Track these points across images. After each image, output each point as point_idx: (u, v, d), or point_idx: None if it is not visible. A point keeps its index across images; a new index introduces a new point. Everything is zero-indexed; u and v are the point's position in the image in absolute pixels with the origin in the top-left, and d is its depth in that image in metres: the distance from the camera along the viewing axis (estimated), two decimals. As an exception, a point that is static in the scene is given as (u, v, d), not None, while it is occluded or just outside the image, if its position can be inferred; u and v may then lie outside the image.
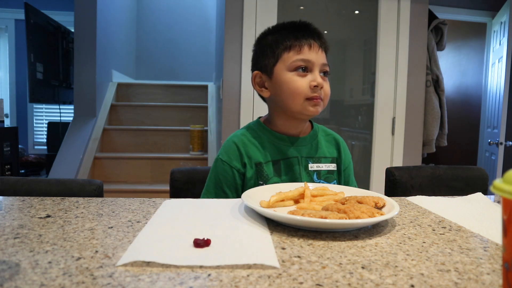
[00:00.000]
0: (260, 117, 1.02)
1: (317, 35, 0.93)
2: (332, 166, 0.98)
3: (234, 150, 0.93)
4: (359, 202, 0.68)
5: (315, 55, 0.90)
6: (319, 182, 0.95)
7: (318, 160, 0.97)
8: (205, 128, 3.33)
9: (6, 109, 4.73)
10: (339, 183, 0.99)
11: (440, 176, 1.20)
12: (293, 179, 0.93)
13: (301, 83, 0.89)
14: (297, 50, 0.89)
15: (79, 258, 0.46)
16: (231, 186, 0.93)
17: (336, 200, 0.72)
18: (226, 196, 0.92)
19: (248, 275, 0.43)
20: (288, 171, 0.93)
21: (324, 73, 0.92)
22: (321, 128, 1.04)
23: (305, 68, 0.89)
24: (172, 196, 1.13)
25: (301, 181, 0.92)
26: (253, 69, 0.98)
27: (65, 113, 4.43)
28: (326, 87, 0.92)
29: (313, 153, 0.97)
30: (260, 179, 0.91)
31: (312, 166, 0.95)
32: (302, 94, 0.88)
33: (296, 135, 0.97)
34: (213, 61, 4.46)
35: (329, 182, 0.96)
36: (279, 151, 0.94)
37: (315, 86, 0.88)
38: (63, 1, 4.67)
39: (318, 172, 0.96)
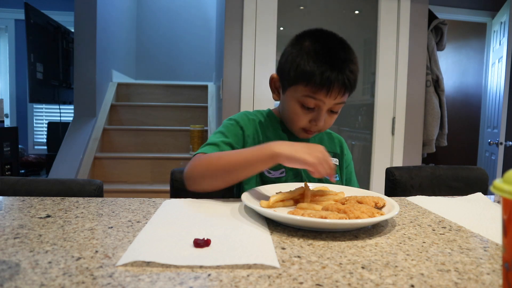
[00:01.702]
0: (269, 109, 1.05)
1: (347, 79, 0.84)
2: (334, 161, 1.02)
3: (245, 119, 0.97)
4: (359, 202, 0.68)
5: (330, 99, 0.85)
6: None
7: None
8: (205, 128, 3.33)
9: (6, 109, 4.73)
10: (340, 178, 1.02)
11: (440, 176, 1.20)
12: None
13: (302, 118, 0.89)
14: (312, 90, 0.84)
15: (79, 258, 0.46)
16: (235, 137, 0.93)
17: (336, 200, 0.72)
18: (227, 139, 0.91)
19: (248, 275, 0.43)
20: None
21: (332, 111, 0.90)
22: None
23: (312, 107, 0.88)
24: (172, 196, 1.13)
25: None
26: (277, 68, 0.96)
27: (65, 113, 4.43)
28: (329, 121, 0.91)
29: None
30: None
31: None
32: (299, 124, 0.91)
33: None
34: (213, 61, 4.45)
35: None
36: (281, 139, 0.96)
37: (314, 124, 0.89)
38: (63, 1, 4.67)
39: None
